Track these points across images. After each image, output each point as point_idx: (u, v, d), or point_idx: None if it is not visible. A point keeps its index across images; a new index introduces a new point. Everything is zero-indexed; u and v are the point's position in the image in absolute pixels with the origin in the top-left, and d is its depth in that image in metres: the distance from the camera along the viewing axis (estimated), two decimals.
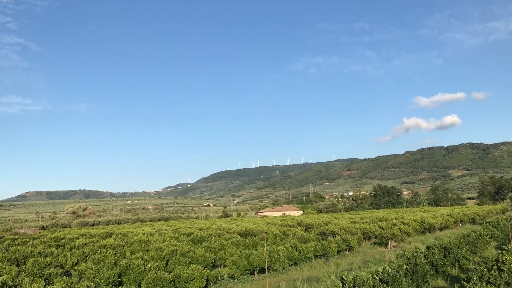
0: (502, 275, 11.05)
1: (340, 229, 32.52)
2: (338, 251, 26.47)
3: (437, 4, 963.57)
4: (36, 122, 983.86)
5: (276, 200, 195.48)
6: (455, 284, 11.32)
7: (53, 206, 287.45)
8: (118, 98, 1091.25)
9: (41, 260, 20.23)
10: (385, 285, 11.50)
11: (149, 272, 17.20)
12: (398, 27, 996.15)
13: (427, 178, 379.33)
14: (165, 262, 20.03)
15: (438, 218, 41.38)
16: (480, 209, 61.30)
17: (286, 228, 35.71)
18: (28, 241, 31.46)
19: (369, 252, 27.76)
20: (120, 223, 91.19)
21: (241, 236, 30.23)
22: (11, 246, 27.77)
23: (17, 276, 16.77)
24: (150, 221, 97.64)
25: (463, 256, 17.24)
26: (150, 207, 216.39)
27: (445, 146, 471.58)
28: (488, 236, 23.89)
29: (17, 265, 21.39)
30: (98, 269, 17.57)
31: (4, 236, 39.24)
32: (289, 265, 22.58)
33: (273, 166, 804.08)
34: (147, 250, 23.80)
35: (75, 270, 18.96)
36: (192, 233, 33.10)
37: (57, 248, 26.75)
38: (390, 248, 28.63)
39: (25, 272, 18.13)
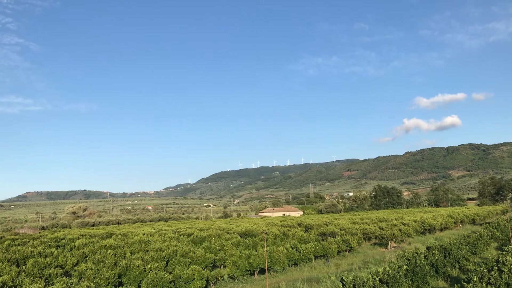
0: (503, 276, 11.04)
1: (340, 229, 32.52)
2: (338, 252, 26.47)
3: (437, 5, 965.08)
4: (37, 122, 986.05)
5: (276, 201, 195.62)
6: (455, 285, 11.32)
7: (53, 206, 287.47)
8: (118, 98, 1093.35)
9: (41, 260, 20.23)
10: (385, 285, 11.49)
11: (149, 272, 17.20)
12: (399, 28, 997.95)
13: (427, 179, 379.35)
14: (165, 263, 20.03)
15: (438, 219, 41.37)
16: (480, 209, 61.28)
17: (286, 228, 35.69)
18: (28, 242, 31.46)
19: (369, 252, 27.75)
20: (120, 224, 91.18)
21: (241, 237, 30.22)
22: (11, 247, 27.77)
23: (17, 277, 16.77)
24: (150, 221, 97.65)
25: (463, 257, 17.24)
26: (150, 208, 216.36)
27: (445, 146, 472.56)
28: (488, 237, 23.87)
29: (17, 266, 21.39)
30: (98, 269, 17.56)
31: (4, 236, 39.25)
32: (289, 266, 22.57)
33: (273, 166, 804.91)
34: (147, 251, 23.80)
35: (75, 271, 18.95)
36: (192, 234, 33.10)
37: (57, 249, 26.75)
38: (390, 248, 28.62)
39: (25, 273, 18.13)
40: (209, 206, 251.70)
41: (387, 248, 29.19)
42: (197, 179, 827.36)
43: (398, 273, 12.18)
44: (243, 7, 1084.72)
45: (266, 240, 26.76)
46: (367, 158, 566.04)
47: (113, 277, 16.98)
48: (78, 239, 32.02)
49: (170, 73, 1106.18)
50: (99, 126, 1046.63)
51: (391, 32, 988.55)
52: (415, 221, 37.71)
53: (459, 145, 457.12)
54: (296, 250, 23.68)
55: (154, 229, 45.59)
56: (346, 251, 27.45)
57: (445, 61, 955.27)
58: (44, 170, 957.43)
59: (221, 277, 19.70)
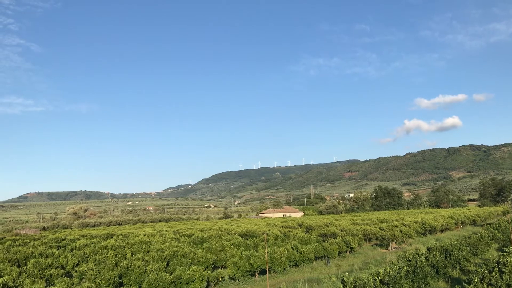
0: (503, 277, 11.04)
1: (341, 230, 32.51)
2: (339, 253, 26.46)
3: (438, 6, 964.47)
4: (37, 122, 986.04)
5: (277, 202, 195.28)
6: (456, 286, 11.33)
7: (54, 207, 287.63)
8: (119, 98, 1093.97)
9: (42, 261, 20.26)
10: (386, 286, 11.50)
11: (150, 273, 17.21)
12: (399, 28, 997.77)
13: (428, 180, 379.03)
14: (166, 263, 20.04)
15: (439, 220, 41.34)
16: (481, 210, 61.24)
17: (286, 229, 35.69)
18: (29, 242, 31.50)
19: (370, 253, 27.74)
20: (121, 224, 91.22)
21: (241, 238, 30.22)
22: (12, 247, 27.79)
23: (18, 277, 16.78)
24: (151, 222, 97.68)
25: (464, 258, 17.23)
26: (151, 208, 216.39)
27: (446, 147, 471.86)
28: (489, 238, 23.85)
29: (18, 266, 21.41)
30: (99, 270, 17.58)
31: (5, 237, 39.29)
32: (289, 267, 22.57)
33: (274, 167, 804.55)
34: (148, 251, 23.81)
35: (76, 271, 18.99)
36: (193, 234, 33.11)
37: (58, 249, 26.78)
38: (391, 249, 28.61)
39: (26, 273, 18.15)
40: (210, 207, 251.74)
41: (387, 249, 29.18)
42: (198, 179, 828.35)
43: (399, 274, 12.18)
44: (243, 8, 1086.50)
45: (267, 241, 26.76)
46: (368, 159, 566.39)
47: (114, 278, 16.99)
48: (79, 239, 32.05)
49: (170, 73, 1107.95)
50: (100, 127, 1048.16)
51: (392, 33, 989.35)
52: (415, 222, 37.69)
53: (460, 146, 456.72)
54: (297, 251, 23.68)
55: (155, 229, 45.62)
56: (346, 252, 27.44)
57: (446, 62, 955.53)
58: (45, 170, 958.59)
59: (222, 277, 19.71)
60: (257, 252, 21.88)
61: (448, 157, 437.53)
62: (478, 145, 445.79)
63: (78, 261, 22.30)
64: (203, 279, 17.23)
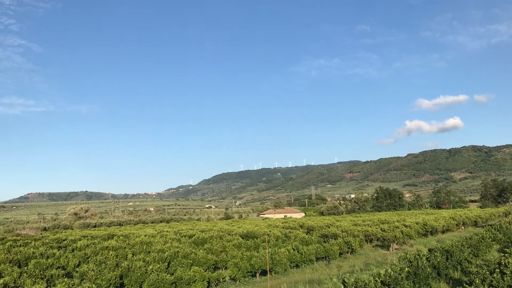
0: (505, 278, 11.01)
1: (342, 231, 32.48)
2: (340, 254, 26.43)
3: (439, 7, 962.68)
4: (39, 123, 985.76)
5: (278, 202, 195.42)
6: (457, 287, 11.30)
7: (55, 207, 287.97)
8: (120, 99, 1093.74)
9: (43, 261, 20.27)
10: (387, 287, 11.48)
11: (150, 274, 17.21)
12: (400, 29, 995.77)
13: (429, 181, 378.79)
14: (166, 264, 20.05)
15: (440, 221, 41.29)
16: (483, 212, 61.14)
17: (287, 230, 35.68)
18: (30, 243, 31.51)
19: (371, 254, 27.71)
20: (122, 225, 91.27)
21: (242, 238, 30.22)
22: (13, 247, 27.81)
23: (19, 278, 16.80)
24: (152, 222, 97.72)
25: (465, 259, 17.20)
26: (152, 209, 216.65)
27: (448, 148, 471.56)
28: (490, 239, 23.81)
29: (19, 266, 21.42)
30: (99, 270, 17.58)
31: (6, 237, 39.33)
32: (290, 267, 22.55)
33: (275, 168, 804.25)
34: (149, 252, 23.82)
35: (76, 272, 18.99)
36: (194, 235, 33.12)
37: (59, 250, 26.80)
38: (392, 250, 28.58)
39: (27, 274, 18.15)
40: (211, 207, 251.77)
41: (389, 250, 29.15)
42: (199, 180, 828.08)
43: (400, 275, 12.16)
44: (245, 9, 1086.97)
45: (268, 242, 26.75)
46: (369, 160, 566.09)
47: (115, 278, 16.99)
48: (80, 240, 32.07)
49: (171, 74, 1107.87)
50: (100, 128, 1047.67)
51: (393, 34, 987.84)
52: (417, 223, 37.65)
53: (461, 147, 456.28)
54: (298, 251, 23.66)
55: (155, 230, 45.62)
56: (348, 253, 27.41)
57: (447, 63, 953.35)
58: (46, 171, 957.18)
59: (223, 278, 19.70)
60: (258, 253, 21.87)
61: (449, 158, 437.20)
62: (480, 146, 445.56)
63: (79, 262, 22.31)
64: (204, 280, 17.23)
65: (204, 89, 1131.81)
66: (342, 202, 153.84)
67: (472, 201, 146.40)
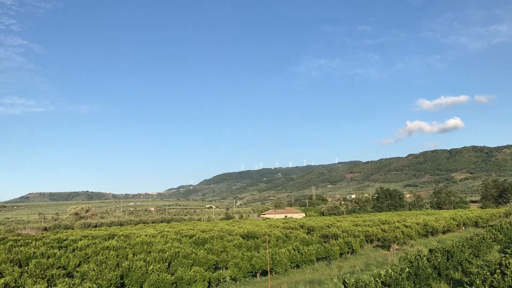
0: (505, 279, 11.00)
1: (343, 231, 32.48)
2: (341, 254, 26.43)
3: (440, 7, 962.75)
4: (39, 123, 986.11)
5: (279, 203, 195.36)
6: None
7: (55, 207, 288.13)
8: (121, 99, 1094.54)
9: (43, 261, 20.29)
10: None
11: (151, 274, 17.22)
12: (401, 30, 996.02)
13: (430, 181, 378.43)
14: (167, 264, 20.06)
15: (441, 221, 41.27)
16: (483, 212, 61.10)
17: (288, 230, 35.68)
18: (31, 242, 31.54)
19: (371, 255, 27.70)
20: (123, 225, 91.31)
21: (243, 238, 30.22)
22: (14, 247, 27.83)
23: (20, 277, 16.81)
24: (153, 222, 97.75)
25: (466, 260, 17.19)
26: (153, 209, 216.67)
27: (448, 149, 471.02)
28: (491, 240, 23.80)
29: (20, 266, 21.44)
30: (100, 270, 17.59)
31: (7, 237, 39.36)
32: (291, 268, 22.55)
33: (275, 168, 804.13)
34: (150, 252, 23.83)
35: (77, 272, 19.00)
36: (194, 235, 33.12)
37: (59, 250, 26.82)
38: (393, 251, 28.57)
39: (27, 273, 18.17)
40: (211, 207, 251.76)
41: (389, 250, 29.14)
42: (199, 180, 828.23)
43: (401, 275, 12.16)
44: (245, 10, 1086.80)
45: (268, 242, 26.75)
46: (370, 160, 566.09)
47: (115, 278, 17.01)
48: (81, 240, 32.09)
49: (172, 75, 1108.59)
50: (101, 128, 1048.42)
51: (394, 34, 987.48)
52: (417, 224, 37.63)
53: (462, 148, 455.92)
54: (298, 252, 23.66)
55: (156, 230, 45.64)
56: (348, 253, 27.41)
57: (448, 63, 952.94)
58: (46, 171, 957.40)
59: (223, 278, 19.71)
60: (258, 253, 21.87)
61: (450, 159, 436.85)
62: (480, 146, 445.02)
63: (80, 262, 22.32)
64: (204, 280, 17.23)
65: (205, 89, 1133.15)
66: (343, 202, 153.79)
67: (472, 202, 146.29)
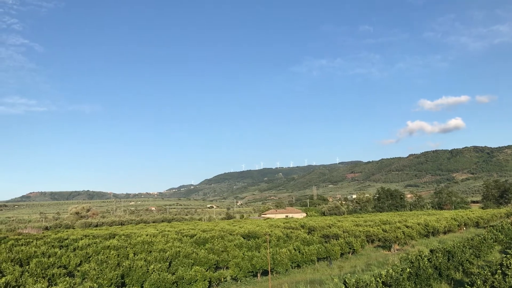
0: (506, 279, 10.99)
1: (344, 232, 32.46)
2: (341, 254, 26.41)
3: (441, 7, 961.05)
4: (41, 122, 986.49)
5: (279, 203, 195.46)
6: None
7: (56, 206, 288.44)
8: (122, 99, 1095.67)
9: (44, 260, 20.31)
10: None
11: (152, 273, 17.22)
12: (403, 30, 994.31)
13: (431, 181, 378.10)
14: (168, 264, 20.07)
15: (442, 222, 41.22)
16: (484, 212, 61.03)
17: (289, 230, 35.67)
18: (32, 242, 31.58)
19: (372, 255, 27.68)
20: (123, 224, 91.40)
21: (244, 238, 30.22)
22: (15, 246, 27.88)
23: (21, 276, 16.83)
24: (153, 222, 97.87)
25: (467, 260, 17.16)
26: (154, 209, 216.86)
27: (449, 149, 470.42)
28: (492, 240, 23.76)
29: (21, 265, 21.47)
30: (101, 270, 17.60)
31: (8, 236, 39.41)
32: (292, 268, 22.55)
33: (276, 168, 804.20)
34: (150, 252, 23.84)
35: (78, 271, 19.02)
36: (195, 235, 33.13)
37: (60, 249, 26.85)
38: (394, 251, 28.55)
39: (28, 272, 18.19)
40: (212, 207, 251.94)
41: (390, 250, 29.12)
42: (200, 180, 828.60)
43: (402, 276, 12.15)
44: (246, 10, 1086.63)
45: (269, 242, 26.74)
46: (371, 160, 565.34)
47: (116, 278, 17.01)
48: (81, 239, 32.12)
49: (173, 75, 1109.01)
50: (102, 127, 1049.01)
51: (395, 34, 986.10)
52: (418, 224, 37.58)
53: (463, 148, 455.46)
54: (299, 252, 23.66)
55: (157, 230, 45.68)
56: (349, 253, 27.39)
57: (449, 63, 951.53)
58: (47, 170, 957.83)
59: (224, 278, 19.71)
60: (259, 253, 21.87)
61: (451, 159, 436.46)
62: (482, 146, 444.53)
63: (81, 261, 22.34)
64: (205, 280, 17.23)
65: (206, 89, 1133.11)
66: (344, 202, 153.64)
67: (473, 202, 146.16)
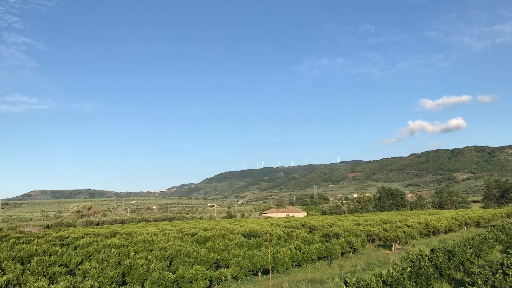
0: (507, 279, 10.99)
1: (344, 231, 32.46)
2: (342, 253, 26.42)
3: (443, 7, 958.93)
4: (42, 121, 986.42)
5: (280, 202, 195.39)
6: None
7: (58, 205, 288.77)
8: (123, 97, 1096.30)
9: (45, 259, 20.34)
10: (388, 287, 11.47)
11: (152, 272, 17.25)
12: (404, 29, 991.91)
13: (431, 181, 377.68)
14: (168, 262, 20.08)
15: (443, 221, 41.22)
16: (485, 212, 61.00)
17: (289, 229, 35.68)
18: (33, 240, 31.62)
19: (373, 254, 27.69)
20: (125, 223, 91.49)
21: (244, 237, 30.24)
22: (16, 245, 27.91)
23: (22, 275, 16.85)
24: (155, 221, 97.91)
25: (467, 260, 17.16)
26: (155, 207, 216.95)
27: (450, 149, 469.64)
28: (493, 240, 23.75)
29: (22, 264, 21.51)
30: (102, 268, 17.63)
31: (9, 235, 39.47)
32: (292, 267, 22.56)
33: (277, 167, 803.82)
34: (151, 250, 23.86)
35: (79, 269, 19.05)
36: (196, 234, 33.15)
37: (61, 247, 26.89)
38: (394, 250, 28.55)
39: (29, 271, 18.22)
40: (213, 206, 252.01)
41: (391, 250, 29.12)
42: (201, 179, 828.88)
43: (402, 275, 12.15)
44: (247, 9, 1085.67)
45: (270, 241, 26.76)
46: (372, 160, 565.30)
47: (117, 276, 17.04)
48: (83, 238, 32.15)
49: (175, 74, 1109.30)
50: (104, 126, 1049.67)
51: (396, 33, 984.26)
52: (419, 223, 37.58)
53: (464, 147, 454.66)
54: (300, 251, 23.67)
55: (158, 228, 45.72)
56: (349, 252, 27.40)
57: (451, 63, 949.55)
58: (49, 168, 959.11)
59: (225, 277, 19.73)
60: (260, 252, 21.89)
61: (452, 158, 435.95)
62: (483, 146, 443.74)
63: (82, 259, 22.37)
64: (205, 279, 17.25)
65: (207, 88, 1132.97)
66: (344, 201, 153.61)
67: (474, 202, 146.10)
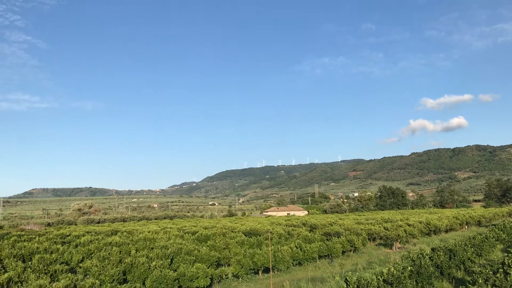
0: (508, 278, 10.98)
1: (345, 229, 32.45)
2: (343, 252, 26.42)
3: (444, 6, 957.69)
4: (43, 119, 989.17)
5: (281, 200, 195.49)
6: (460, 287, 11.29)
7: (59, 203, 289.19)
8: (124, 96, 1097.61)
9: (46, 256, 20.36)
10: (389, 286, 11.47)
11: (153, 270, 17.26)
12: (405, 28, 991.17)
13: (433, 180, 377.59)
14: (169, 260, 20.09)
15: (444, 220, 41.18)
16: (486, 211, 60.95)
17: (290, 228, 35.68)
18: (34, 238, 31.65)
19: (374, 253, 27.69)
20: (126, 221, 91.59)
21: (245, 236, 30.23)
22: (17, 242, 27.93)
23: (23, 272, 16.88)
24: (156, 219, 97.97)
25: (468, 259, 17.15)
26: (156, 205, 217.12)
27: (452, 148, 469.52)
28: (494, 239, 23.74)
29: (23, 261, 21.53)
30: (103, 266, 17.65)
31: (10, 232, 39.52)
32: (293, 265, 22.57)
33: (278, 166, 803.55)
34: (152, 248, 23.88)
35: (80, 267, 19.06)
36: (197, 232, 33.16)
37: (62, 245, 26.91)
38: (395, 249, 28.54)
39: (31, 268, 18.24)
40: (214, 204, 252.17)
41: (392, 248, 29.12)
42: (203, 177, 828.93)
43: (403, 274, 12.15)
44: (248, 9, 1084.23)
45: (271, 239, 26.77)
46: (373, 159, 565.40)
47: (118, 274, 17.06)
48: (84, 236, 32.16)
49: (176, 73, 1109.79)
50: (105, 124, 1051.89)
51: (397, 32, 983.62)
52: (420, 222, 37.56)
53: (465, 147, 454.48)
54: (301, 249, 23.67)
55: (159, 227, 45.71)
56: (350, 251, 27.40)
57: (452, 62, 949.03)
58: (50, 167, 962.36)
59: (225, 275, 19.74)
60: (260, 250, 21.90)
61: (453, 157, 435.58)
62: (484, 145, 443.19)
63: (83, 257, 22.39)
64: (206, 277, 17.27)
65: (208, 87, 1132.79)
66: (345, 200, 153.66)
67: (475, 201, 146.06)
